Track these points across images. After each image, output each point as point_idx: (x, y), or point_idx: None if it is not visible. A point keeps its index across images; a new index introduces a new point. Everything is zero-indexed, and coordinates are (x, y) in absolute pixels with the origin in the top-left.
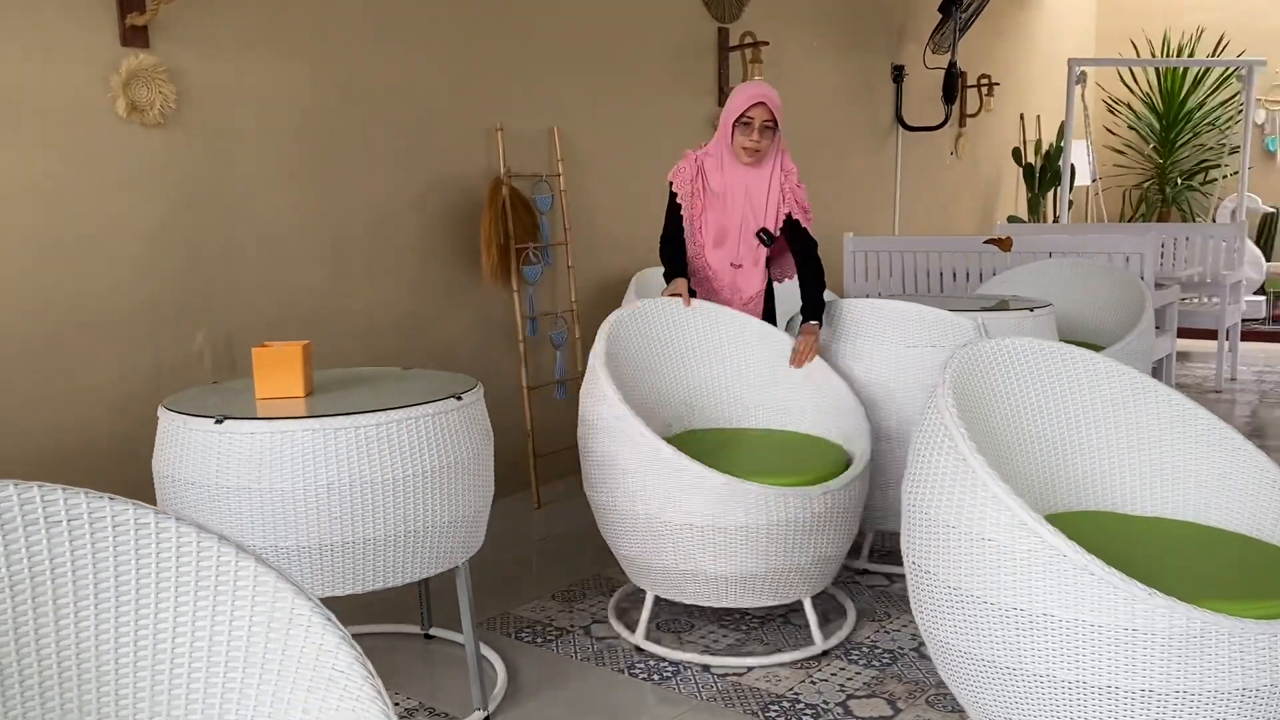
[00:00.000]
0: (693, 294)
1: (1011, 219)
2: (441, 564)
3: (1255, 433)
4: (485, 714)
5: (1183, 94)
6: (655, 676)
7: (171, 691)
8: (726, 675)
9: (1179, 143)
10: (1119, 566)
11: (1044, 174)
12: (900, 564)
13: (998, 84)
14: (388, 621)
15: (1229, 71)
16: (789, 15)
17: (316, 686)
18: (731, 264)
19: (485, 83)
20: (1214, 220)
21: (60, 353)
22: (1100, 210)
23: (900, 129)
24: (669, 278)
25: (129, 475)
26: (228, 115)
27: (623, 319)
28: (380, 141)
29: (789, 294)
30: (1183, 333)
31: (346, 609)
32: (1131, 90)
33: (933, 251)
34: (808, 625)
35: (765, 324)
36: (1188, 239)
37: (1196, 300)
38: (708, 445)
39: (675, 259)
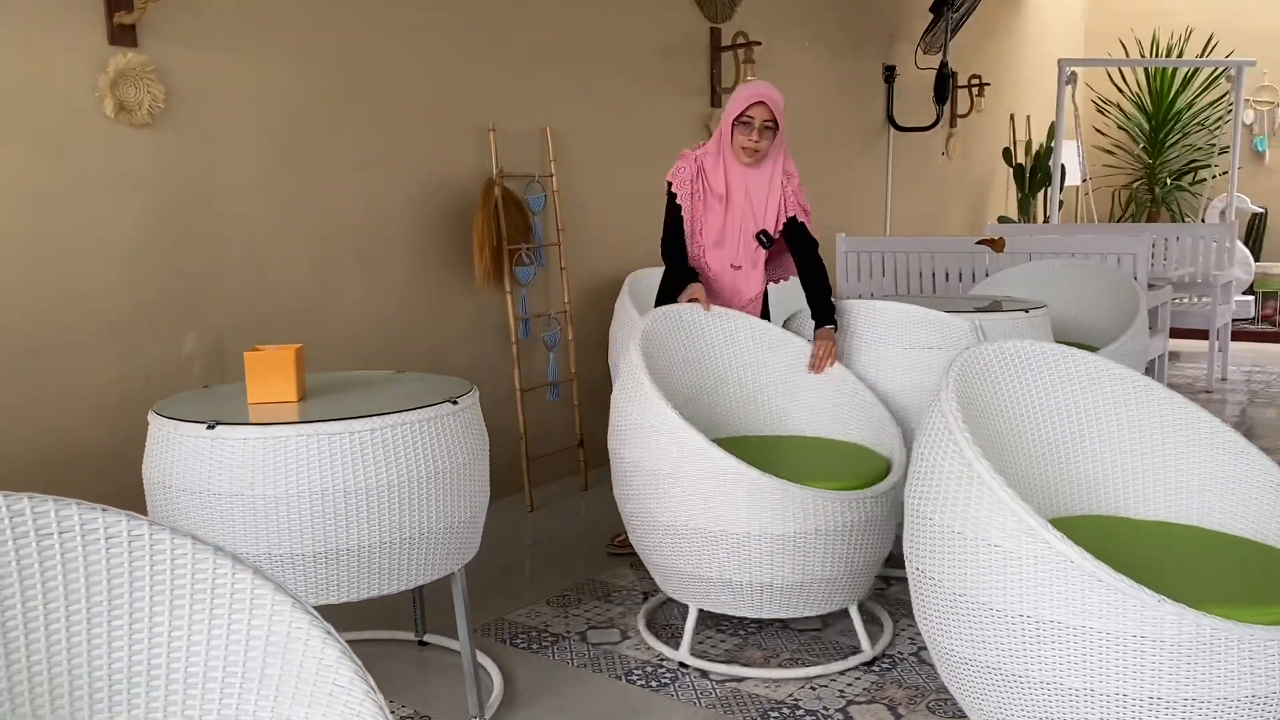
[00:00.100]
0: None
1: (1002, 219)
2: (437, 571)
3: (1247, 433)
4: None
5: (1172, 94)
6: (653, 683)
7: (167, 710)
8: (725, 681)
9: (1168, 143)
10: (1124, 572)
11: (1034, 174)
12: (895, 567)
13: (988, 84)
14: (381, 628)
15: (1218, 72)
16: (781, 15)
17: (317, 702)
18: (731, 265)
19: (478, 82)
20: (1203, 220)
21: (47, 356)
22: (1090, 210)
23: (891, 129)
24: (678, 282)
25: (118, 481)
26: (217, 115)
27: (657, 321)
28: (371, 142)
29: (786, 294)
30: (1173, 333)
31: (339, 616)
32: (1121, 90)
33: (925, 252)
34: (852, 632)
35: (782, 329)
36: (1178, 239)
37: (1187, 300)
38: (745, 452)
39: (682, 263)
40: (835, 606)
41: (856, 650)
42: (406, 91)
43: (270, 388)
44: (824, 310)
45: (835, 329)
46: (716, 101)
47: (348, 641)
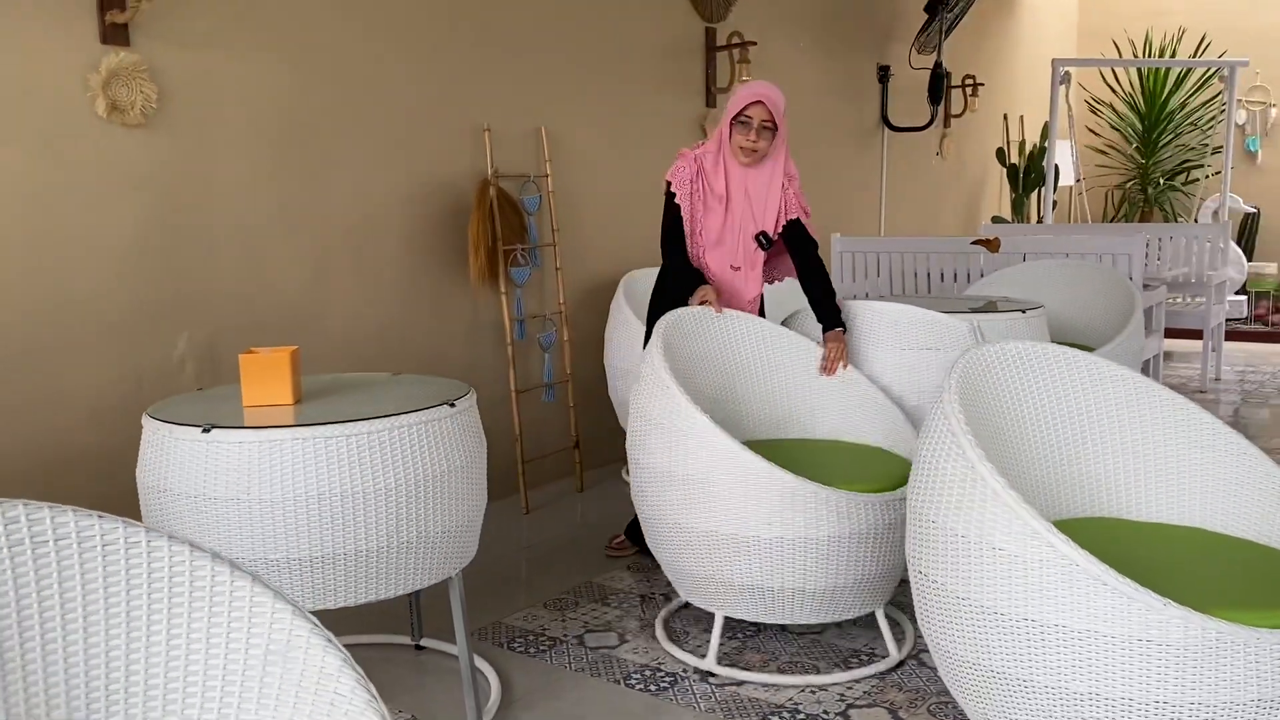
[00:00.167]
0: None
1: (996, 219)
2: (435, 575)
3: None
4: None
5: (1165, 94)
6: (653, 687)
7: None
8: (725, 685)
9: (1161, 143)
10: (1128, 575)
11: (1028, 174)
12: None
13: (982, 84)
14: (377, 632)
15: (1210, 72)
16: (776, 15)
17: (318, 712)
18: (731, 266)
19: (473, 83)
20: (1196, 220)
21: (38, 359)
22: (1084, 210)
23: (886, 129)
24: (685, 283)
25: (110, 485)
26: (211, 115)
27: (675, 323)
28: (366, 142)
29: (783, 295)
30: (1167, 333)
31: (334, 620)
32: (1114, 90)
33: (920, 252)
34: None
35: (794, 332)
36: (1171, 239)
37: (1181, 300)
38: (767, 456)
39: (686, 264)
40: (863, 610)
41: (856, 653)
42: (401, 91)
43: (266, 390)
44: (830, 312)
45: (844, 330)
46: (711, 101)
47: (343, 646)
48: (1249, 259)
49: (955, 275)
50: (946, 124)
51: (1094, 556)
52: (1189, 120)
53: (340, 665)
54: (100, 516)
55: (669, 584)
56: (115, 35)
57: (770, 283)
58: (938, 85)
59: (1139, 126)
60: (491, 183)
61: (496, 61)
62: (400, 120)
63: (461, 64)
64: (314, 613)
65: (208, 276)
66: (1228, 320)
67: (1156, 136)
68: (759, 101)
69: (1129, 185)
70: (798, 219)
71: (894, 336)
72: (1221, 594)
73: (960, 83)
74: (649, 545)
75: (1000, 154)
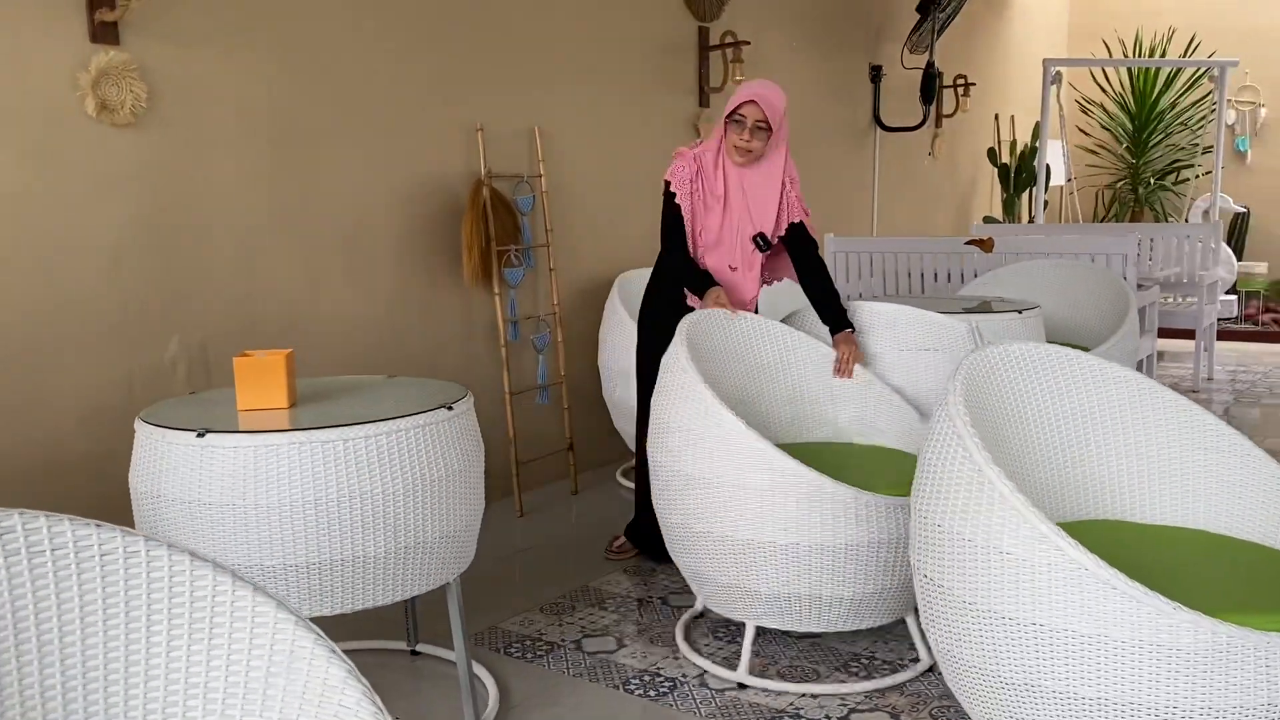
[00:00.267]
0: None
1: (987, 219)
2: (433, 580)
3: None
4: None
5: (1155, 94)
6: (652, 692)
7: None
8: (725, 690)
9: (1151, 143)
10: (1135, 578)
11: (1019, 174)
12: None
13: (974, 84)
14: (372, 638)
15: (1200, 72)
16: (768, 14)
17: None
18: (729, 267)
19: (465, 82)
20: (1187, 220)
21: (27, 362)
22: (1075, 210)
23: (878, 129)
24: (693, 284)
25: (102, 491)
26: (201, 115)
27: (697, 325)
28: (359, 142)
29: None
30: (1159, 333)
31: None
32: (1104, 90)
33: (914, 253)
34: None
35: (804, 334)
36: (1163, 239)
37: (1172, 300)
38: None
39: (692, 265)
40: (894, 616)
41: (857, 657)
42: (394, 91)
43: (261, 394)
44: (837, 313)
45: (853, 331)
46: (705, 101)
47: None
48: (1239, 259)
49: (949, 276)
50: (938, 124)
51: (1103, 560)
52: (1179, 120)
53: (345, 677)
54: (98, 525)
55: (666, 587)
56: (105, 34)
57: (768, 284)
58: (930, 85)
59: (1129, 126)
60: (485, 183)
61: (489, 61)
62: (393, 120)
63: (454, 63)
64: (311, 620)
65: (199, 278)
66: (1219, 320)
67: (1147, 136)
68: (753, 101)
69: (1119, 185)
70: (801, 222)
71: (892, 337)
72: (1229, 597)
73: (952, 83)
74: (669, 550)
75: (991, 154)
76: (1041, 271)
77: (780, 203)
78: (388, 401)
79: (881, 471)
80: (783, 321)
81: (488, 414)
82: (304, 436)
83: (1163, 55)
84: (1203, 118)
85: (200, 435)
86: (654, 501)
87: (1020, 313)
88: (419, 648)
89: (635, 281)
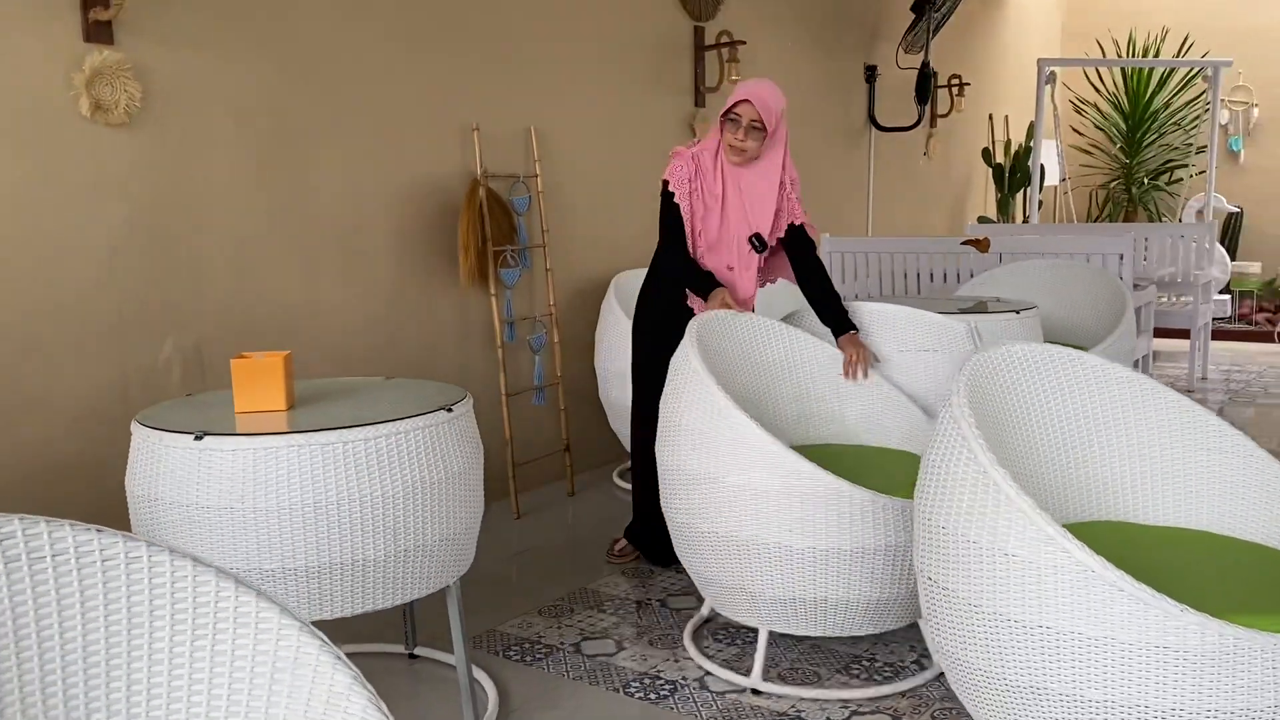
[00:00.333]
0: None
1: (982, 219)
2: (433, 584)
3: None
4: None
5: (1148, 94)
6: (652, 695)
7: None
8: (726, 693)
9: (1145, 143)
10: (1140, 580)
11: (1013, 174)
12: None
13: (968, 84)
14: (370, 641)
15: (1193, 72)
16: (763, 14)
17: None
18: (727, 266)
19: (461, 81)
20: (1180, 220)
21: (20, 364)
22: (1069, 210)
23: (873, 129)
24: (697, 285)
25: (96, 494)
26: (196, 115)
27: (708, 327)
28: (354, 142)
29: (774, 297)
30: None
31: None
32: (1098, 90)
33: (910, 253)
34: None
35: (810, 334)
36: (1158, 239)
37: (1167, 300)
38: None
39: (695, 268)
40: (910, 619)
41: (858, 659)
42: (389, 91)
43: (258, 396)
44: (839, 315)
45: (857, 331)
46: (701, 101)
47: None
48: (1232, 258)
49: (945, 276)
50: (933, 124)
51: (1109, 562)
52: (1172, 120)
53: (350, 684)
54: (99, 531)
55: (666, 589)
56: (99, 33)
57: (764, 285)
58: (925, 85)
59: (1123, 126)
60: (481, 183)
61: (485, 60)
62: (389, 120)
63: (450, 63)
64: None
65: (193, 279)
66: (1212, 319)
67: (1140, 136)
68: (746, 100)
69: (1113, 185)
70: (801, 224)
71: (892, 338)
72: (1235, 599)
73: (946, 82)
74: (678, 553)
75: (986, 154)
76: (1038, 272)
77: (779, 204)
78: (386, 403)
79: (896, 473)
80: (782, 321)
81: (484, 415)
82: (303, 439)
83: (1156, 55)
84: (1196, 117)
85: (198, 438)
86: (663, 504)
87: (1018, 313)
88: (417, 651)
89: (631, 282)
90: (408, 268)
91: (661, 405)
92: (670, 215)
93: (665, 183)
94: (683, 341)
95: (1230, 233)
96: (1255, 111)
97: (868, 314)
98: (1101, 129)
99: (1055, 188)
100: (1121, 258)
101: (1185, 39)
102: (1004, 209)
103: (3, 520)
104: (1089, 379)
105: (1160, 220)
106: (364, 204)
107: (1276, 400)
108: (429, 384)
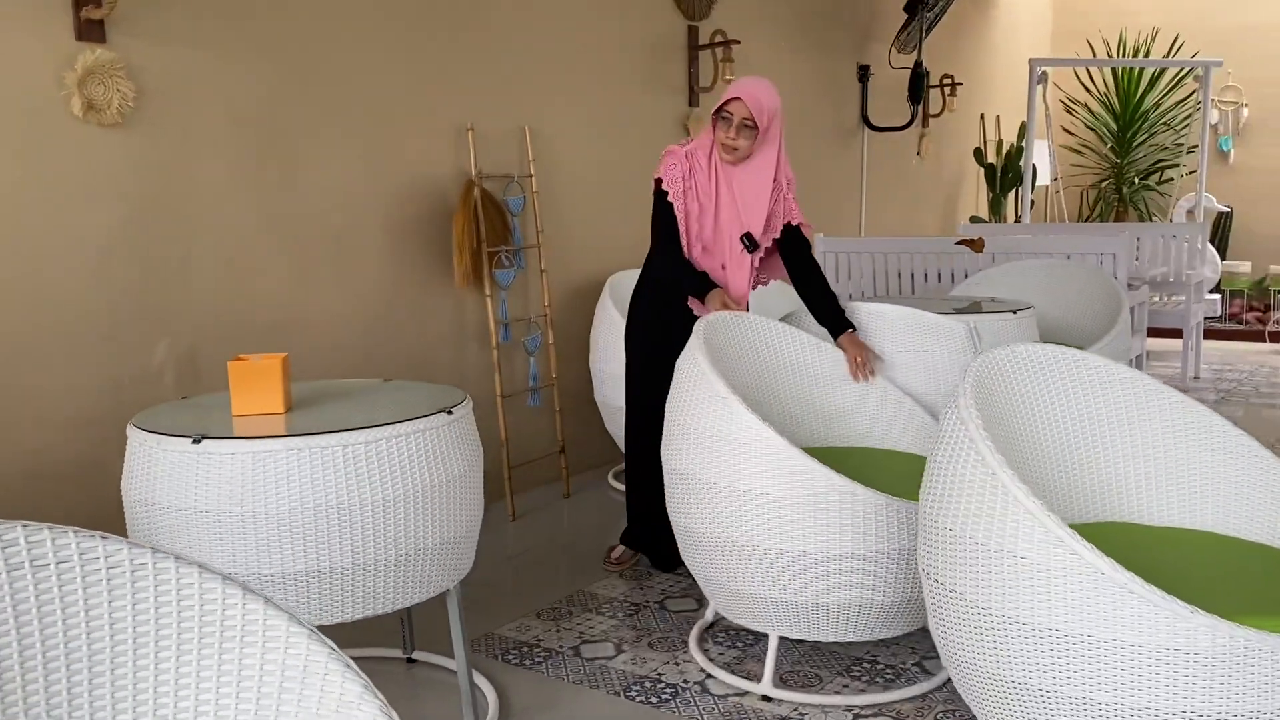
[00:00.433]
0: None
1: (974, 219)
2: (432, 588)
3: None
4: None
5: (1139, 94)
6: (653, 699)
7: None
8: (727, 696)
9: (1135, 142)
10: (1147, 581)
11: (1005, 174)
12: None
13: (960, 84)
14: (367, 645)
15: (1184, 72)
16: (757, 13)
17: None
18: (721, 265)
19: (455, 81)
20: (1171, 219)
21: (12, 367)
22: (1061, 210)
23: (866, 129)
24: (693, 286)
25: (92, 499)
26: (189, 115)
27: (714, 328)
28: (348, 142)
29: (770, 297)
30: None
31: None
32: (1089, 90)
33: (903, 253)
34: (910, 645)
35: (812, 335)
36: (1150, 238)
37: (1159, 300)
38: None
39: (690, 268)
40: (915, 625)
41: (859, 661)
42: (384, 90)
43: (256, 399)
44: (836, 315)
45: (855, 330)
46: (694, 100)
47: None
48: (1222, 258)
49: (939, 276)
50: (925, 124)
51: (1119, 564)
52: (1163, 120)
53: (361, 692)
54: (103, 537)
55: (664, 592)
56: (91, 32)
57: (758, 285)
58: (918, 85)
59: (1114, 126)
60: (475, 183)
61: (479, 60)
62: (383, 120)
63: (444, 63)
64: None
65: (187, 280)
66: (1203, 319)
67: (1131, 136)
68: (738, 98)
69: (1104, 185)
70: (797, 225)
71: (891, 338)
72: (1241, 600)
73: (938, 82)
74: (683, 557)
75: (978, 154)
76: (1032, 271)
77: (774, 204)
78: (385, 406)
79: (905, 476)
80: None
81: (479, 417)
82: (302, 442)
83: (1146, 55)
84: (1186, 117)
85: (196, 441)
86: (669, 508)
87: (1015, 313)
88: (415, 655)
89: (626, 283)
90: (402, 268)
91: (667, 409)
92: (663, 215)
93: (658, 181)
94: (689, 343)
95: (1220, 232)
96: (1245, 111)
97: (866, 314)
98: (1092, 129)
99: (1047, 187)
100: (1116, 258)
101: (1175, 39)
102: (996, 209)
103: (5, 527)
104: (1093, 379)
105: (1151, 220)
106: (358, 204)
107: (1268, 399)
108: (428, 386)
